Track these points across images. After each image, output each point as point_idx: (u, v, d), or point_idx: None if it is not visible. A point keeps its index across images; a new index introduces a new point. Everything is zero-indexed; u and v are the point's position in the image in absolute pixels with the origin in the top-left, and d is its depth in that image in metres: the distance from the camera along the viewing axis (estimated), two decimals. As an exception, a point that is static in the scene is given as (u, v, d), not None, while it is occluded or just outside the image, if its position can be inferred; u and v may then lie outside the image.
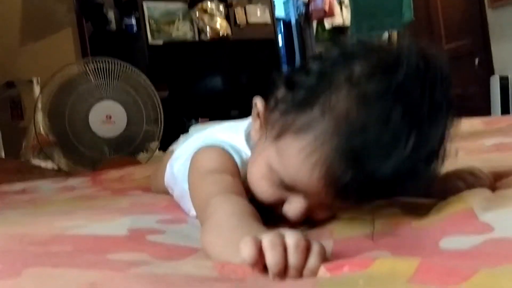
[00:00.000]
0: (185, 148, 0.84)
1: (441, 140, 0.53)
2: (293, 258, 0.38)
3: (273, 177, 0.59)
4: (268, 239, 0.38)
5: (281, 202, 0.60)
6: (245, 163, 0.67)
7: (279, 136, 0.57)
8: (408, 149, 0.49)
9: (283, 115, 0.58)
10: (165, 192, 0.93)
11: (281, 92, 0.59)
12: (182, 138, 1.04)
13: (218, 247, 0.47)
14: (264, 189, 0.61)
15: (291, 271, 0.38)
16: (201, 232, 0.53)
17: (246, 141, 0.69)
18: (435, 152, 0.53)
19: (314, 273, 0.38)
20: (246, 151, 0.68)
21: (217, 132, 0.77)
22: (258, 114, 0.65)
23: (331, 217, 0.61)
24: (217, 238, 0.49)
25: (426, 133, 0.51)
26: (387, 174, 0.49)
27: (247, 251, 0.38)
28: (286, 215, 0.59)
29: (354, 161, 0.50)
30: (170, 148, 1.09)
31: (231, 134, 0.72)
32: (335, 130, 0.52)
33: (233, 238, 0.46)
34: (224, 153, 0.67)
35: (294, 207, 0.59)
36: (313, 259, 0.38)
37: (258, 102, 0.65)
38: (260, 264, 0.38)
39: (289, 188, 0.58)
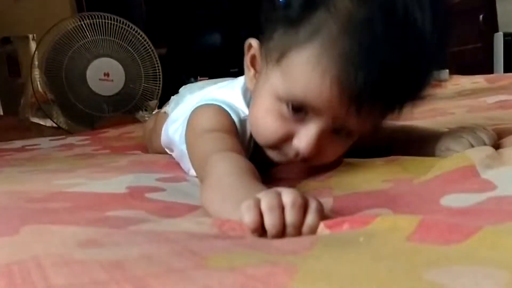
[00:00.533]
0: (181, 110, 0.83)
1: (448, 29, 0.54)
2: (290, 216, 0.37)
3: (280, 108, 0.58)
4: (265, 201, 0.38)
5: (289, 139, 0.59)
6: (242, 120, 0.66)
7: (282, 56, 0.57)
8: (418, 38, 0.51)
9: (283, 34, 0.57)
10: (163, 152, 0.93)
11: (277, 13, 0.59)
12: (173, 98, 1.03)
13: (217, 204, 0.47)
14: (269, 125, 0.59)
15: (289, 229, 0.37)
16: (200, 190, 0.53)
17: (243, 98, 0.68)
18: (444, 40, 0.54)
19: (313, 230, 0.38)
20: (243, 109, 0.67)
21: (213, 90, 0.76)
22: (251, 59, 0.65)
23: (335, 164, 0.61)
24: (215, 195, 0.49)
25: (433, 21, 0.51)
26: (400, 64, 0.50)
27: (249, 217, 0.37)
28: (298, 148, 0.58)
29: (365, 57, 0.50)
30: (162, 109, 1.08)
31: (227, 92, 0.71)
32: (341, 31, 0.51)
33: (231, 195, 0.46)
34: (221, 111, 0.66)
35: (305, 135, 0.57)
36: (311, 216, 0.38)
37: (252, 41, 0.64)
38: (260, 227, 0.38)
39: (298, 111, 0.57)
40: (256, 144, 0.67)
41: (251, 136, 0.66)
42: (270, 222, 0.37)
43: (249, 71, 0.66)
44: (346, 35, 0.51)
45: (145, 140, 1.19)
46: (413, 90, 0.56)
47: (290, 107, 0.57)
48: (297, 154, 0.59)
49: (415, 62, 0.52)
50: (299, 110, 0.57)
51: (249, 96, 0.68)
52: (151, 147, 1.10)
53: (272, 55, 0.58)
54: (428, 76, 0.56)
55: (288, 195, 0.38)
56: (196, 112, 0.68)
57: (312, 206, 0.39)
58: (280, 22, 0.58)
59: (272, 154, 0.62)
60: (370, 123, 0.58)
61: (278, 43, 0.58)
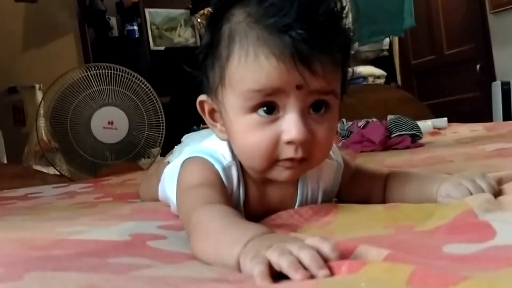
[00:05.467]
0: (175, 164, 0.83)
1: None
2: (318, 271, 0.37)
3: (252, 119, 0.58)
4: (285, 260, 0.37)
5: (278, 142, 0.58)
6: (226, 168, 0.66)
7: (222, 78, 0.60)
8: None
9: (214, 65, 0.61)
10: (156, 200, 0.93)
11: (200, 59, 0.64)
12: (176, 148, 1.04)
13: (211, 251, 0.47)
14: (253, 139, 0.59)
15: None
16: (191, 244, 0.53)
17: (228, 145, 0.68)
18: None
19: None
20: (225, 154, 0.67)
21: (205, 141, 0.75)
22: (210, 115, 0.67)
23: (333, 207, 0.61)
24: (207, 244, 0.49)
25: None
26: (304, 7, 0.55)
27: (259, 268, 0.37)
28: (291, 139, 0.57)
29: (276, 22, 0.55)
30: (166, 159, 1.09)
31: (215, 142, 0.70)
32: (247, 24, 0.57)
33: (222, 238, 0.46)
34: (204, 163, 0.66)
35: (290, 123, 0.57)
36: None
37: (200, 98, 0.66)
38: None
39: (270, 109, 0.58)
40: (247, 187, 0.67)
41: (239, 181, 0.67)
42: (286, 261, 0.37)
43: (215, 126, 0.67)
44: (252, 23, 0.57)
45: (141, 187, 1.17)
46: (334, 27, 0.58)
47: (260, 109, 0.58)
48: (295, 148, 0.58)
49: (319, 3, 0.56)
50: (269, 107, 0.58)
51: None
52: (145, 195, 1.09)
53: (218, 86, 0.61)
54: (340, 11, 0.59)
55: (304, 253, 0.38)
56: (182, 166, 0.69)
57: (325, 245, 0.39)
58: (206, 60, 0.62)
59: (275, 173, 0.62)
60: (332, 78, 0.59)
61: (215, 74, 0.61)
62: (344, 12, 0.59)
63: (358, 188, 0.75)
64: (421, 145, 1.81)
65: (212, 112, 0.66)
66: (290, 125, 0.57)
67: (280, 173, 0.61)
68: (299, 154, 0.58)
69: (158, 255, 0.51)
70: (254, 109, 0.58)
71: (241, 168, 0.67)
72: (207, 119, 0.67)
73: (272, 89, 0.56)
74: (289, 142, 0.58)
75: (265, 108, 0.58)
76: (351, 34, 0.61)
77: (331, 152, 0.70)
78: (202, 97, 0.66)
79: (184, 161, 0.70)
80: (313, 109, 0.59)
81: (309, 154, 0.59)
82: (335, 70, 0.59)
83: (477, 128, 2.03)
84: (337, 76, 0.61)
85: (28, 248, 0.53)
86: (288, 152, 0.58)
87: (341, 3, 0.59)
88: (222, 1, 0.61)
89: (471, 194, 0.60)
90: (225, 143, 0.67)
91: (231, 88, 0.59)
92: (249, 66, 0.56)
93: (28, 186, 1.72)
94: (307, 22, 0.54)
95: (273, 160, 0.60)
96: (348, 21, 0.60)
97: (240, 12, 0.58)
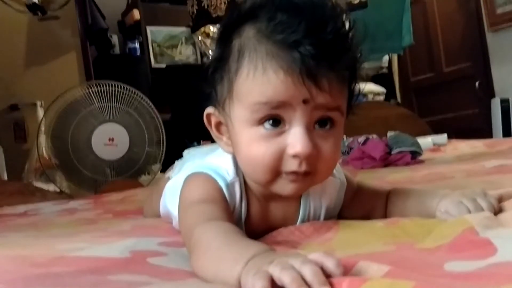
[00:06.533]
0: (178, 180, 0.84)
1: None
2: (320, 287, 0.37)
3: (258, 131, 0.59)
4: (288, 275, 0.37)
5: (282, 156, 0.59)
6: (229, 184, 0.66)
7: (230, 91, 0.60)
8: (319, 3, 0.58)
9: (222, 78, 0.62)
10: (159, 216, 0.93)
11: (210, 71, 0.64)
12: (177, 163, 1.04)
13: (212, 269, 0.47)
14: (257, 150, 0.59)
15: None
16: (191, 261, 0.53)
17: (232, 158, 0.68)
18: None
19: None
20: (229, 170, 0.67)
21: (208, 157, 0.75)
22: (217, 128, 0.67)
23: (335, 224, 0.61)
24: (207, 261, 0.49)
25: None
26: (313, 25, 0.56)
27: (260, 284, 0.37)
28: (296, 153, 0.57)
29: (285, 39, 0.56)
30: (166, 174, 1.09)
31: (218, 156, 0.71)
32: (256, 39, 0.58)
33: (222, 256, 0.46)
34: (207, 180, 0.66)
35: (295, 136, 0.58)
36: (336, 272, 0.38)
37: (207, 110, 0.67)
38: None
39: (275, 122, 0.58)
40: (250, 204, 0.68)
41: (241, 197, 0.67)
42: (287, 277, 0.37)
43: (220, 139, 0.67)
44: (262, 38, 0.58)
45: (145, 204, 1.18)
46: (341, 45, 0.59)
47: (266, 122, 0.58)
48: (300, 162, 0.58)
49: (325, 20, 0.57)
50: (275, 121, 0.58)
51: None
52: (148, 211, 1.09)
53: (225, 99, 0.62)
54: (347, 31, 0.60)
55: (306, 268, 0.38)
56: (185, 184, 0.69)
57: (329, 261, 0.39)
58: (215, 74, 0.63)
59: (279, 186, 0.62)
60: (338, 94, 0.59)
61: (223, 87, 0.62)
62: (351, 32, 0.60)
63: (361, 206, 0.75)
64: (421, 161, 1.81)
65: (218, 125, 0.67)
66: (295, 139, 0.58)
67: (284, 187, 0.61)
68: (303, 167, 0.59)
69: (158, 272, 0.51)
70: (260, 121, 0.59)
71: (244, 185, 0.67)
72: (213, 131, 0.68)
73: (279, 102, 0.57)
74: (294, 156, 0.58)
75: (271, 121, 0.58)
76: (359, 54, 0.62)
77: (334, 170, 0.70)
78: (209, 110, 0.67)
79: (187, 176, 0.70)
80: (319, 124, 0.60)
81: (313, 168, 0.60)
82: (341, 87, 0.60)
83: (477, 145, 2.03)
84: (343, 93, 0.61)
85: (28, 265, 0.53)
86: (292, 165, 0.59)
87: (349, 23, 0.60)
88: (233, 17, 0.62)
89: (470, 213, 0.60)
90: (229, 159, 0.68)
91: (239, 100, 0.60)
92: (257, 79, 0.57)
93: (28, 203, 1.72)
94: (315, 39, 0.55)
95: (277, 173, 0.60)
96: (355, 41, 0.61)
97: (250, 28, 0.59)
